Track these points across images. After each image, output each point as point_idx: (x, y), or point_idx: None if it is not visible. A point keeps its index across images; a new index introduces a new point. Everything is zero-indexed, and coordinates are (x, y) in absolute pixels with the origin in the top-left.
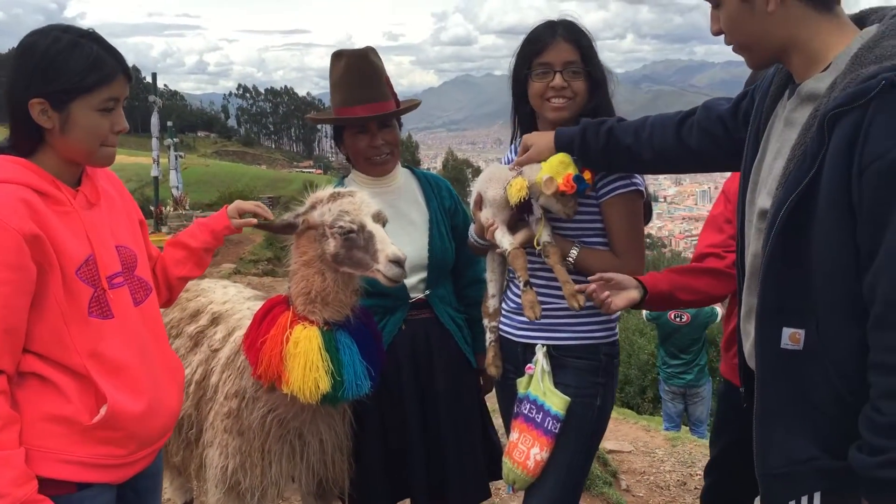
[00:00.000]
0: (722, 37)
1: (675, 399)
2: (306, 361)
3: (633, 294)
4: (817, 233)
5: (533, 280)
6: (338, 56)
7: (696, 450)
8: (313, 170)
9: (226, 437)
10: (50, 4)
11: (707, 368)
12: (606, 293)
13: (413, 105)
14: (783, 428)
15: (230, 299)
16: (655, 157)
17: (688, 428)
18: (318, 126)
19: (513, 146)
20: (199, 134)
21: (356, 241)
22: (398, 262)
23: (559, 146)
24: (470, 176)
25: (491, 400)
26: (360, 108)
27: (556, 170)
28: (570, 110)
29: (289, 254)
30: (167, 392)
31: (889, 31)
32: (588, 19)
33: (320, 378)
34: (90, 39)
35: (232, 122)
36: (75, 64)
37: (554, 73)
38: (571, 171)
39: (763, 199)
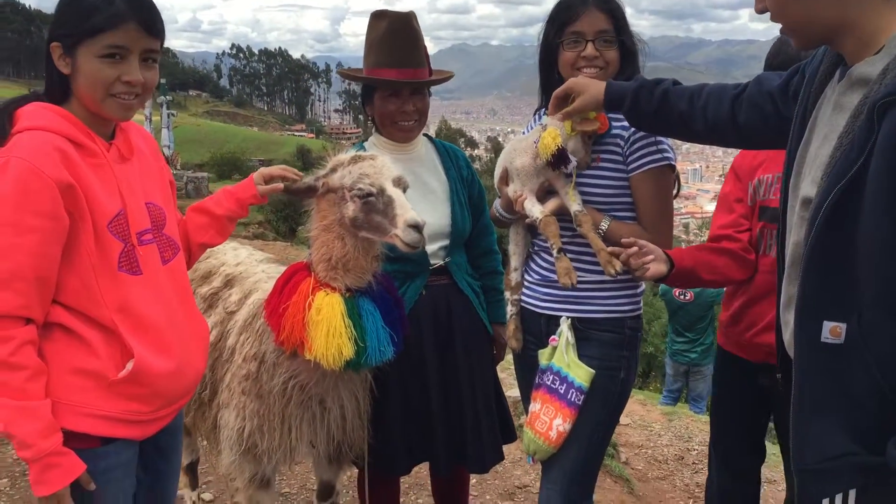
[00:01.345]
0: (719, 14)
1: (677, 375)
2: (329, 328)
3: (662, 267)
4: (863, 225)
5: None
6: (379, 16)
7: (693, 425)
8: (305, 133)
9: (243, 400)
10: None
11: (713, 348)
12: (650, 257)
13: (447, 77)
14: (821, 422)
15: (243, 261)
16: (706, 129)
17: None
18: (312, 90)
19: (537, 115)
20: (190, 93)
21: (375, 205)
22: (417, 228)
23: (610, 100)
24: (463, 145)
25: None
26: (396, 72)
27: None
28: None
29: (309, 218)
30: (192, 351)
31: None
32: None
33: (343, 344)
34: None
35: (224, 82)
36: (82, 7)
37: (586, 42)
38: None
39: (807, 186)
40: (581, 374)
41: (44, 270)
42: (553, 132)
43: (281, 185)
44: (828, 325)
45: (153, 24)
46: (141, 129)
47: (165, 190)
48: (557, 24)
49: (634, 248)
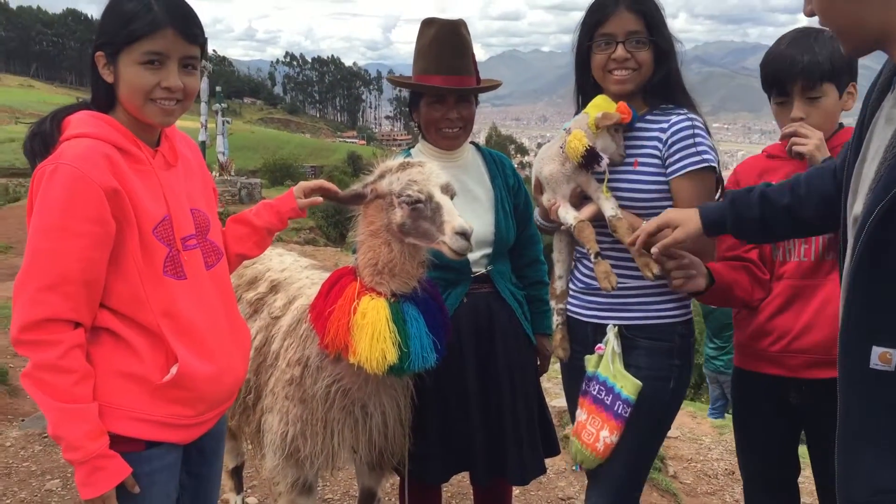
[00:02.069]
0: (777, 18)
1: (713, 383)
2: (374, 332)
3: (700, 282)
4: None
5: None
6: (428, 23)
7: None
8: (357, 140)
9: (287, 404)
10: None
11: None
12: (694, 272)
13: (494, 85)
14: (869, 455)
15: (288, 267)
16: (818, 212)
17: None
18: (363, 96)
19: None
20: (245, 100)
21: (423, 212)
22: (464, 235)
23: (709, 224)
24: (513, 152)
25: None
26: (441, 79)
27: (604, 107)
28: (634, 82)
29: (356, 224)
30: (233, 357)
31: None
32: None
33: (387, 349)
34: None
35: (278, 89)
36: (121, 15)
37: (616, 43)
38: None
39: (857, 204)
40: (628, 385)
41: (91, 274)
42: (578, 134)
43: (320, 199)
44: (877, 351)
45: (191, 31)
46: (185, 136)
47: (210, 197)
48: (588, 27)
49: (686, 259)
